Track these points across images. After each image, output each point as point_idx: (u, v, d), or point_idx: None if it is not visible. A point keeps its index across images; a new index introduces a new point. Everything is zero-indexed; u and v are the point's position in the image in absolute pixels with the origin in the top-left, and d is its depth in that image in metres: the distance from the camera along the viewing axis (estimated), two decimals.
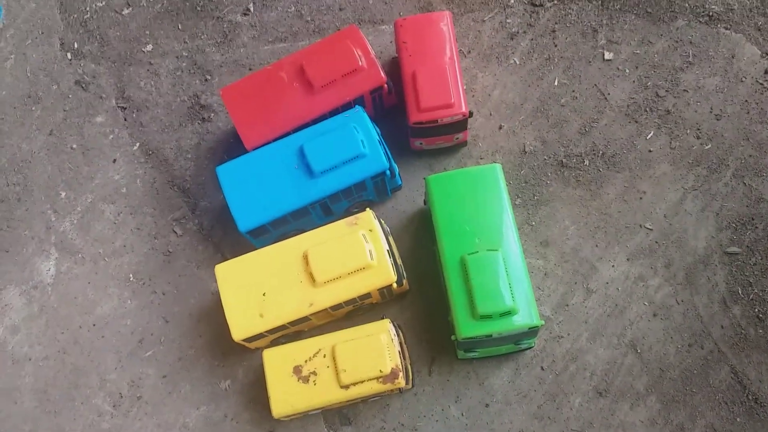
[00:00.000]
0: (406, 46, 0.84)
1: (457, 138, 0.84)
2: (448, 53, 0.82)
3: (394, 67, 0.85)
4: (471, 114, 0.79)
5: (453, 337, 0.75)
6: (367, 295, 0.78)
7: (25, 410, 0.70)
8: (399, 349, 0.76)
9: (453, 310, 0.75)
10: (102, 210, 0.80)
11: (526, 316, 0.75)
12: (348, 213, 0.82)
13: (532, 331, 0.77)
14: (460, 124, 0.83)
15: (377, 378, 0.74)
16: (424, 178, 0.76)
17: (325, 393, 0.74)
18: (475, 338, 0.72)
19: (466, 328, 0.75)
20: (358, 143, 0.76)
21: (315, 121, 0.81)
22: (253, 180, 0.77)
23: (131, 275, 0.75)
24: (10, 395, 0.72)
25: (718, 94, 0.84)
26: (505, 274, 0.74)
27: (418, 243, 0.83)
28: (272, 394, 0.74)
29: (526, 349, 0.84)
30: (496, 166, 0.78)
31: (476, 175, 0.81)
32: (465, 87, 0.85)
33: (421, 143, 0.85)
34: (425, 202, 0.80)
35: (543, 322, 0.75)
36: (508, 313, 0.74)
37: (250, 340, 0.75)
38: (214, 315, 0.75)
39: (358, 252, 0.74)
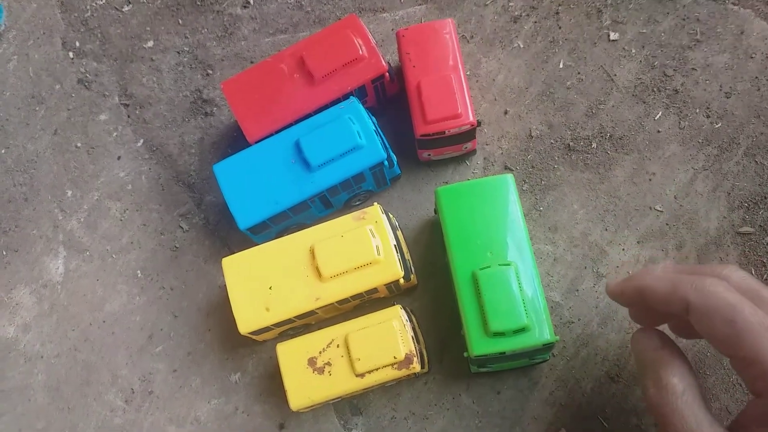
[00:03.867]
0: (409, 57, 0.77)
1: (465, 147, 0.87)
2: (452, 62, 0.75)
3: (398, 74, 0.81)
4: (479, 123, 0.80)
5: (465, 354, 0.75)
6: (374, 290, 0.80)
7: (38, 407, 0.70)
8: (412, 334, 0.82)
9: (465, 326, 0.71)
10: (108, 207, 0.79)
11: (540, 332, 0.67)
12: (348, 205, 0.80)
13: (547, 347, 0.83)
14: (469, 134, 0.81)
15: (392, 364, 0.79)
16: (435, 190, 0.78)
17: (340, 383, 0.75)
18: (488, 355, 0.66)
19: (478, 345, 0.69)
20: (354, 135, 0.76)
21: (317, 112, 0.78)
22: (251, 176, 0.74)
23: (139, 271, 0.74)
24: (24, 393, 0.73)
25: (728, 71, 0.81)
26: (519, 290, 0.69)
27: (425, 233, 0.85)
28: (289, 387, 0.77)
29: (541, 362, 0.78)
30: (507, 177, 0.78)
31: (487, 186, 0.76)
32: (469, 76, 0.79)
33: (429, 154, 0.84)
34: (435, 212, 0.86)
35: (558, 338, 0.73)
36: (521, 330, 0.70)
37: (256, 333, 0.72)
38: (221, 309, 0.76)
39: (365, 247, 0.75)
